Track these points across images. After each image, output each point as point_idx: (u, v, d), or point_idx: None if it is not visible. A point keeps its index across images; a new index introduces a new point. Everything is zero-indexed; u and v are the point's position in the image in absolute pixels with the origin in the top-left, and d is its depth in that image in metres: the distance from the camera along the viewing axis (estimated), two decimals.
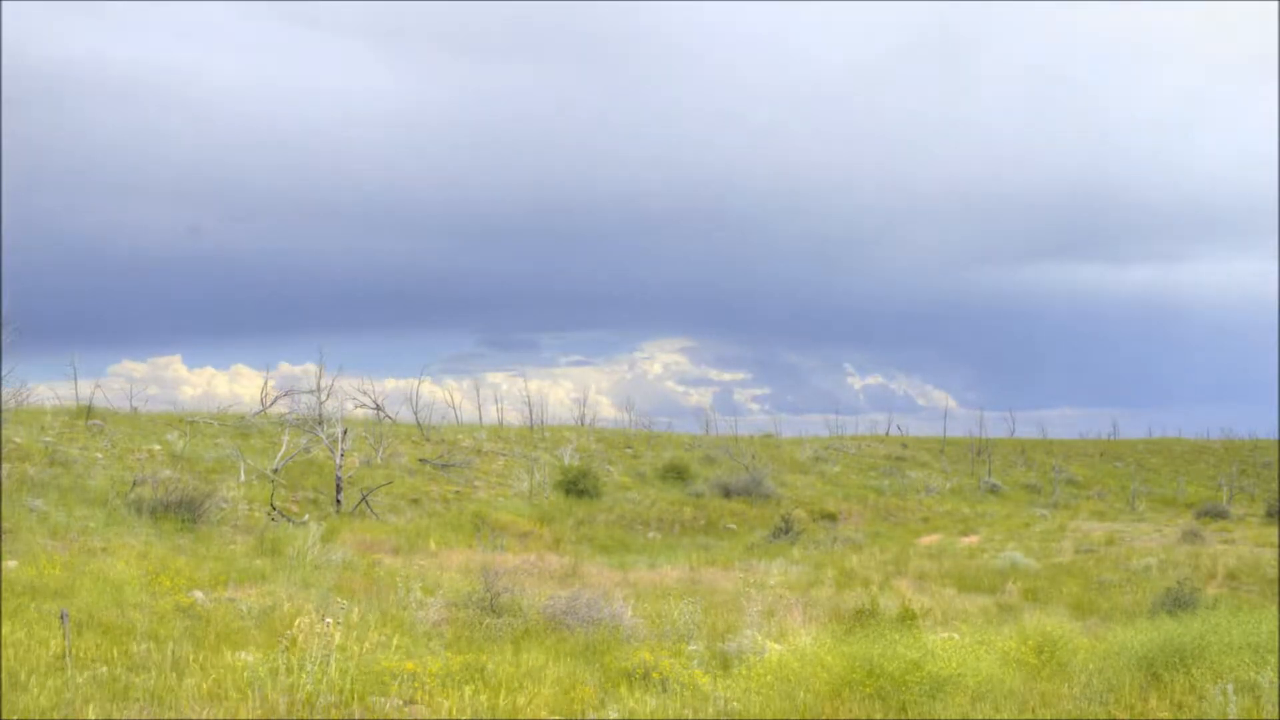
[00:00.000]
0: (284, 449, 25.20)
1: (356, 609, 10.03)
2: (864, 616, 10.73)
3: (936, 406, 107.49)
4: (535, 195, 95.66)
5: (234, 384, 76.91)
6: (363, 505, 22.95)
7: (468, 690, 7.07)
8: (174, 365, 67.22)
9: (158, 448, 24.78)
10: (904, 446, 48.40)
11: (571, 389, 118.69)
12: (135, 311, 74.10)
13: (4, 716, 5.84)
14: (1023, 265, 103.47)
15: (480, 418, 43.70)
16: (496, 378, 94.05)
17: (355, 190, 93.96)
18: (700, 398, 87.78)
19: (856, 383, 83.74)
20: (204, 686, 6.69)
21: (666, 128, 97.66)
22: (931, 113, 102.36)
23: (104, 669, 6.91)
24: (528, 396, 42.18)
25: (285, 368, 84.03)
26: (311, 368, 39.38)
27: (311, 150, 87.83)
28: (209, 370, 73.32)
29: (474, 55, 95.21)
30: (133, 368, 67.36)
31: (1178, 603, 12.61)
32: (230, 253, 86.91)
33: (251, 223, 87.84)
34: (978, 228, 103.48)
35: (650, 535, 25.68)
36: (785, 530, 24.93)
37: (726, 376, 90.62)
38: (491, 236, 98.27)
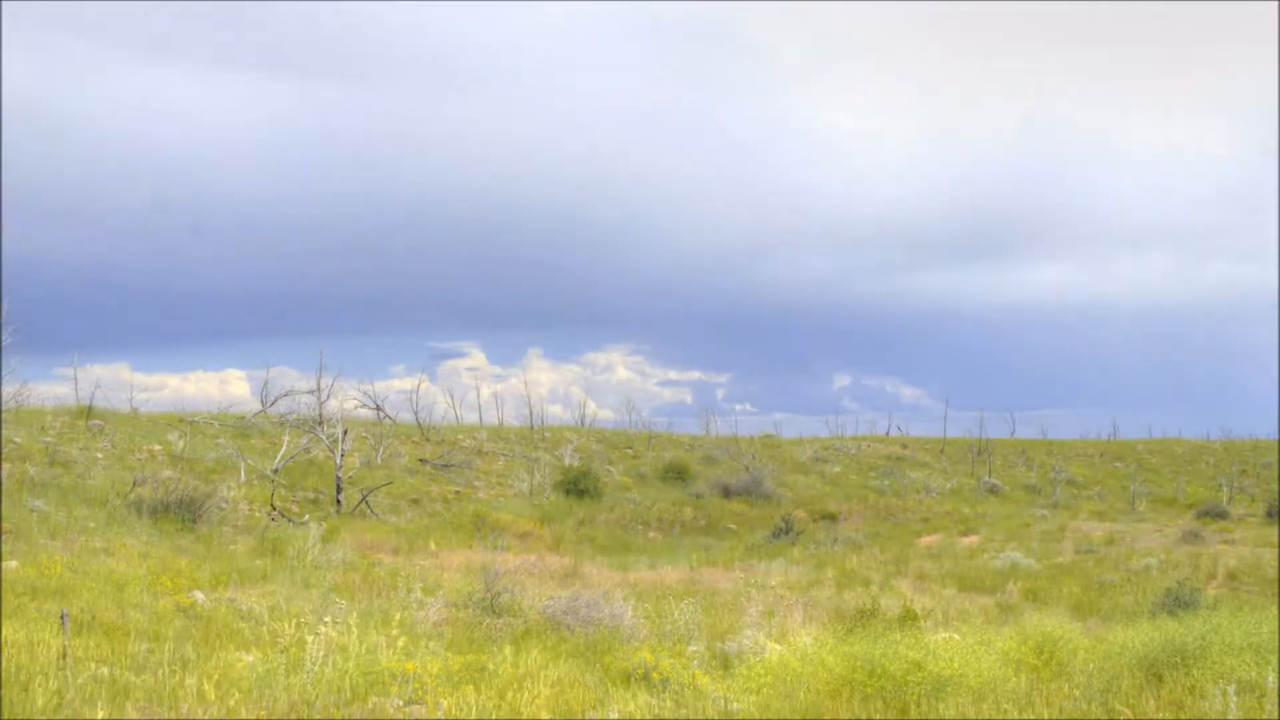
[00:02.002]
0: (284, 449, 25.20)
1: (356, 609, 10.03)
2: (865, 617, 10.72)
3: (921, 405, 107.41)
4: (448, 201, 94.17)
5: (197, 386, 76.26)
6: (363, 505, 22.95)
7: (468, 690, 7.07)
8: (122, 371, 67.10)
9: (158, 448, 24.78)
10: (904, 447, 48.41)
11: (545, 392, 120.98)
12: (73, 318, 72.86)
13: (4, 717, 5.84)
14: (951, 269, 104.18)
15: (480, 418, 43.75)
16: (476, 378, 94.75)
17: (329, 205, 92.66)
18: (675, 395, 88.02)
19: (838, 382, 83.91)
20: (205, 687, 6.69)
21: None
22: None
23: (105, 669, 6.90)
24: (528, 397, 42.26)
25: (271, 371, 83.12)
26: (290, 371, 39.51)
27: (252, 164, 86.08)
28: (163, 376, 72.70)
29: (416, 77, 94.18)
30: (90, 372, 66.81)
31: (1178, 603, 12.61)
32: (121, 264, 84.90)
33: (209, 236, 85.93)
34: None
35: (650, 535, 25.68)
36: (785, 530, 24.92)
37: (696, 376, 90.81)
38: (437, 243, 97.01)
